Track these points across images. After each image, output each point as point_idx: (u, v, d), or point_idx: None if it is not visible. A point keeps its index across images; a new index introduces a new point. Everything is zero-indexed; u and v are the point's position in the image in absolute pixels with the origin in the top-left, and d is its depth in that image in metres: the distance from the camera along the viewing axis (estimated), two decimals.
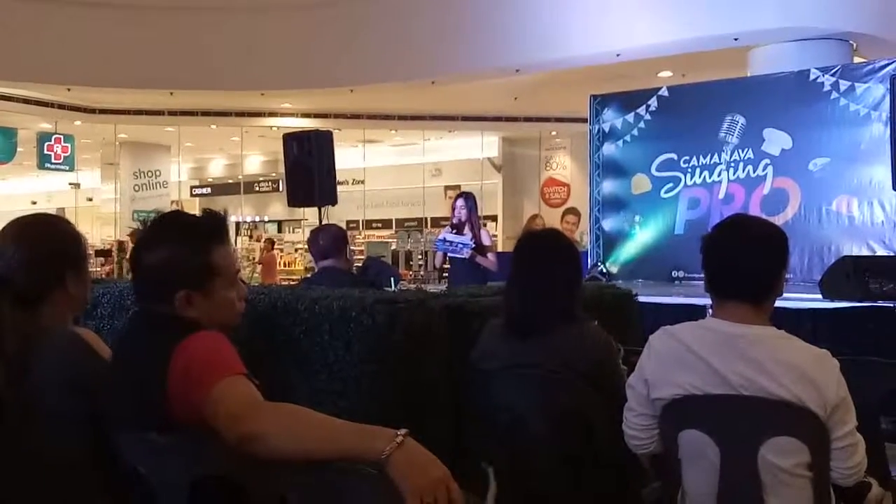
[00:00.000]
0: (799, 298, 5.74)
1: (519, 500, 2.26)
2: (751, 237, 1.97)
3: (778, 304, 2.01)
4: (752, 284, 1.93)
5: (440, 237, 6.13)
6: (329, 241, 3.78)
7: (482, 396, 2.37)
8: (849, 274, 5.64)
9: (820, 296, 5.81)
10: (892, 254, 7.81)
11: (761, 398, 1.82)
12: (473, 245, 5.78)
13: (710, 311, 2.03)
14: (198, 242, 1.70)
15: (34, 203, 21.92)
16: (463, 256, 5.84)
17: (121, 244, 15.21)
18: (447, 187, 18.90)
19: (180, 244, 1.69)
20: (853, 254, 7.78)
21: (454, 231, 5.99)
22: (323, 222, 6.62)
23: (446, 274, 9.28)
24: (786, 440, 1.80)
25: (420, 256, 15.28)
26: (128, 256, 1.78)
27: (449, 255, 6.01)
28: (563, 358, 2.27)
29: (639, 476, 2.28)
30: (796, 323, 5.00)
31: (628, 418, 2.05)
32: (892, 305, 5.30)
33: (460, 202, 6.04)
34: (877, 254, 7.97)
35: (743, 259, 1.93)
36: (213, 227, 1.74)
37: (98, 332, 2.75)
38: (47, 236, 1.81)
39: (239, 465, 1.44)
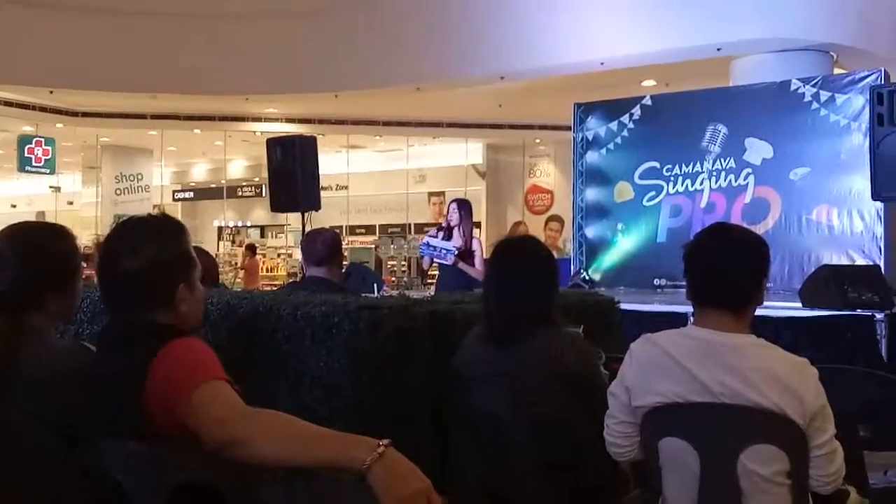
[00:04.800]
0: (779, 307, 5.78)
1: None
2: (732, 246, 1.98)
3: (758, 312, 2.03)
4: (733, 293, 1.94)
5: (424, 241, 6.13)
6: (326, 248, 3.66)
7: (463, 403, 2.37)
8: (828, 282, 5.70)
9: (799, 304, 5.86)
10: (870, 263, 7.89)
11: (741, 406, 1.83)
12: (456, 252, 5.77)
13: (692, 318, 2.04)
14: (180, 235, 1.73)
15: (14, 206, 21.69)
16: (447, 263, 5.84)
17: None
18: (431, 193, 18.90)
19: (166, 241, 1.70)
20: (832, 263, 7.86)
21: (442, 235, 6.00)
22: (307, 228, 6.60)
23: (430, 281, 9.28)
24: (765, 448, 1.82)
25: (404, 262, 15.28)
26: (96, 266, 1.74)
27: (434, 260, 6.01)
28: (541, 364, 2.27)
29: (620, 483, 2.28)
30: (776, 331, 5.04)
31: (609, 425, 2.06)
32: (870, 314, 5.36)
33: (454, 206, 6.06)
34: (856, 263, 8.05)
35: (724, 267, 1.95)
36: (177, 221, 1.78)
37: (77, 336, 2.74)
38: (35, 254, 1.80)
39: (218, 473, 1.43)
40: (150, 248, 1.66)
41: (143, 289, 1.65)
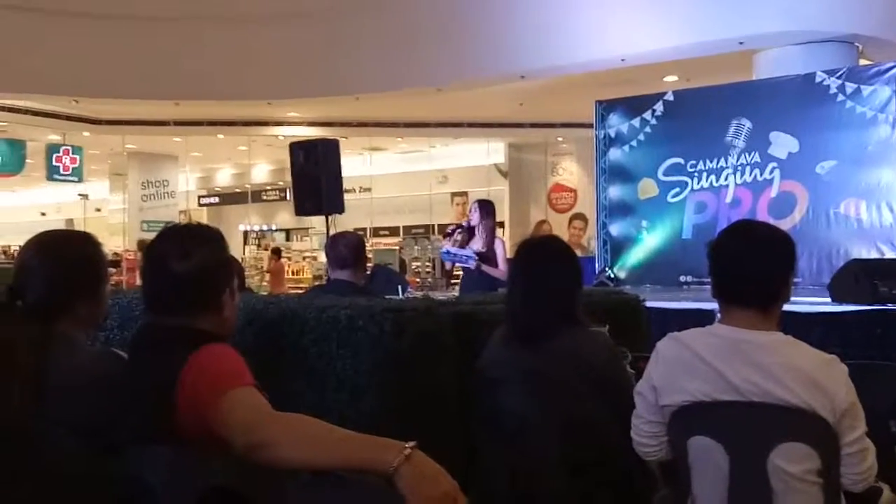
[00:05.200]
0: (808, 302, 5.72)
1: None
2: (757, 243, 1.96)
3: (787, 308, 2.00)
4: (759, 290, 1.92)
5: (443, 250, 6.14)
6: (350, 251, 3.67)
7: (489, 404, 2.37)
8: (857, 277, 5.63)
9: (829, 299, 5.79)
10: None
11: (770, 404, 1.81)
12: (476, 257, 5.77)
13: (719, 316, 2.02)
14: (222, 243, 1.78)
15: (43, 214, 22.05)
16: (470, 266, 5.85)
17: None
18: (454, 194, 18.91)
19: (212, 247, 1.74)
20: (862, 257, 7.76)
21: (462, 234, 6.01)
22: (331, 231, 6.63)
23: (455, 281, 9.29)
24: (795, 446, 1.80)
25: (428, 263, 15.30)
26: (141, 270, 1.79)
27: (456, 264, 6.04)
28: (565, 363, 2.26)
29: (648, 483, 2.27)
30: (806, 327, 4.99)
31: (637, 425, 2.05)
32: None
33: (474, 206, 6.08)
34: (885, 256, 7.94)
35: (749, 265, 1.93)
36: (218, 230, 1.83)
37: (107, 342, 2.77)
38: (61, 260, 1.83)
39: (246, 477, 1.45)
40: (198, 253, 1.71)
41: (190, 292, 1.69)
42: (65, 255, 1.84)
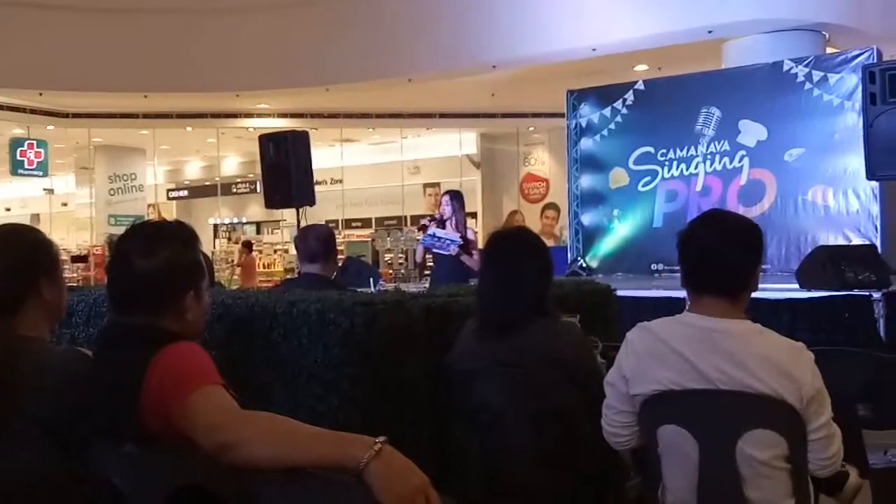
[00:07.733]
0: (776, 289, 5.79)
1: (500, 499, 2.26)
2: (726, 233, 1.97)
3: (755, 295, 2.02)
4: (727, 279, 1.94)
5: (429, 232, 6.03)
6: (320, 244, 3.64)
7: (461, 397, 2.36)
8: (825, 263, 5.71)
9: (797, 285, 5.87)
10: (867, 242, 7.90)
11: (738, 392, 1.83)
12: (461, 242, 5.74)
13: (688, 304, 2.03)
14: (193, 243, 1.74)
15: (8, 210, 21.65)
16: (449, 253, 5.82)
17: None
18: (426, 185, 18.87)
19: (180, 246, 1.70)
20: (829, 243, 7.88)
21: (435, 226, 5.97)
22: (302, 223, 6.59)
23: (428, 273, 9.28)
24: (763, 433, 1.82)
25: (401, 255, 15.28)
26: (106, 266, 1.76)
27: (434, 251, 5.97)
28: (537, 355, 2.27)
29: (621, 472, 2.28)
30: (774, 313, 5.05)
31: (608, 415, 2.06)
32: (867, 294, 5.36)
33: (446, 198, 6.04)
34: (852, 242, 8.06)
35: (718, 254, 1.94)
36: (191, 229, 1.78)
37: (73, 340, 2.73)
38: (16, 245, 1.79)
39: (216, 475, 1.43)
40: (163, 252, 1.67)
41: (152, 291, 1.65)
42: (17, 242, 1.81)
